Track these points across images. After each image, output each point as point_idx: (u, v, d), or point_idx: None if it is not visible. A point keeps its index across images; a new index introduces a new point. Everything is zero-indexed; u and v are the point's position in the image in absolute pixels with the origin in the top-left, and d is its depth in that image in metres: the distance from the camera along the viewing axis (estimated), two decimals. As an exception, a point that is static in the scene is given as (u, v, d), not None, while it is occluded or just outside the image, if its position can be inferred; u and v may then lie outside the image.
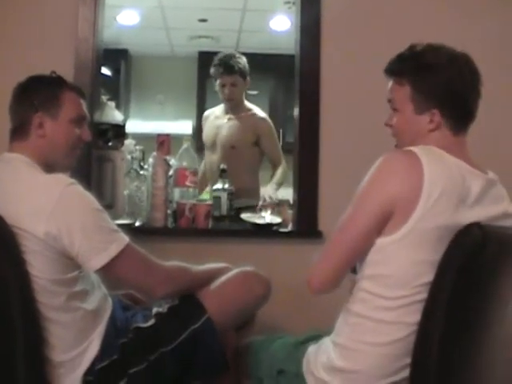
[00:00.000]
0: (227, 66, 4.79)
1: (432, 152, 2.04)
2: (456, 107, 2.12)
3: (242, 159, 4.73)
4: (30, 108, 2.36)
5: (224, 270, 2.63)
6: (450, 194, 1.97)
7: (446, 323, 1.93)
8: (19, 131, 2.37)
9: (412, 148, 2.04)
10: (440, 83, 2.10)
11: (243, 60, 4.87)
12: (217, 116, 5.00)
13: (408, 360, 2.02)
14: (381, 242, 2.03)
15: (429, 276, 1.98)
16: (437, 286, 1.95)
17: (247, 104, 5.02)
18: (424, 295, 1.98)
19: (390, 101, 2.23)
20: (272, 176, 4.83)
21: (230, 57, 4.85)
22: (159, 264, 2.38)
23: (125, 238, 2.26)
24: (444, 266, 1.95)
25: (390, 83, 2.22)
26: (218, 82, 4.85)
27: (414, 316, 2.00)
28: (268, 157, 4.96)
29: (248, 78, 4.89)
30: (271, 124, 5.04)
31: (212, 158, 4.74)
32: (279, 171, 4.84)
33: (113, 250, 2.20)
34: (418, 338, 1.98)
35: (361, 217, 2.05)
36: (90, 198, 2.25)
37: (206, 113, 5.21)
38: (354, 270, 2.17)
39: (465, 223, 1.96)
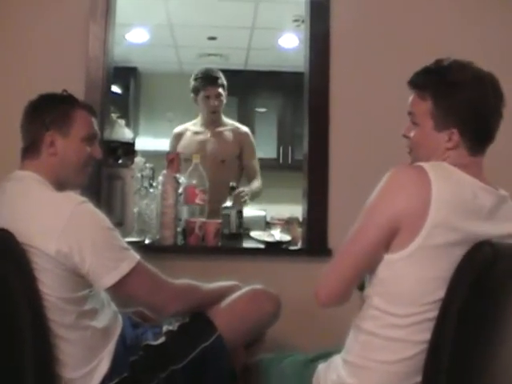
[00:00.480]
0: (212, 77, 4.89)
1: (442, 168, 2.03)
2: (476, 129, 2.09)
3: (231, 173, 4.79)
4: (42, 126, 2.36)
5: (234, 287, 2.64)
6: (459, 209, 1.96)
7: (457, 341, 1.92)
8: (31, 149, 2.38)
9: (421, 163, 2.02)
10: (463, 102, 2.06)
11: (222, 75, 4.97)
12: (195, 131, 5.02)
13: (418, 378, 2.01)
14: (389, 258, 2.02)
15: (439, 293, 1.97)
16: (447, 303, 1.94)
17: (225, 118, 5.10)
18: (435, 313, 1.97)
19: (410, 113, 2.19)
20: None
21: (213, 70, 4.99)
22: (169, 282, 2.38)
23: (135, 256, 2.26)
24: (455, 284, 1.94)
25: (412, 96, 2.19)
26: (201, 94, 4.91)
27: (425, 334, 1.99)
28: (246, 170, 5.07)
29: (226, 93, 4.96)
30: (252, 138, 5.15)
31: None
32: (256, 184, 5.06)
33: (124, 268, 2.20)
34: (429, 355, 1.97)
35: (369, 229, 2.03)
36: (100, 216, 2.25)
37: (179, 130, 5.17)
38: (361, 287, 2.17)
39: (477, 237, 1.95)
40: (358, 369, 2.08)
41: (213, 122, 4.97)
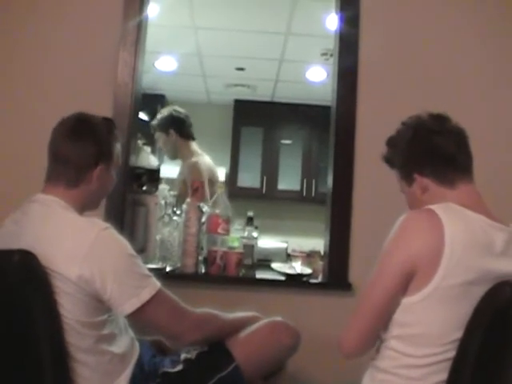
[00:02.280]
0: None
1: (450, 208, 2.05)
2: (429, 163, 2.20)
3: None
4: (92, 159, 2.34)
5: (253, 318, 2.63)
6: (473, 248, 1.97)
7: (474, 381, 1.91)
8: (70, 178, 2.33)
9: (432, 206, 2.04)
10: (404, 154, 2.27)
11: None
12: None
13: None
14: (406, 301, 2.02)
15: (458, 333, 1.96)
16: (465, 344, 1.93)
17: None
18: (453, 352, 1.96)
19: None
20: None
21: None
22: (190, 311, 2.37)
23: (157, 284, 2.25)
24: (473, 324, 1.93)
25: None
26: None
27: (442, 374, 1.98)
28: None
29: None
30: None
31: None
32: None
33: (144, 296, 2.18)
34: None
35: (384, 278, 2.04)
36: (123, 243, 2.24)
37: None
38: None
39: (493, 274, 1.95)
40: None
41: None
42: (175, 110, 5.15)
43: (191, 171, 4.85)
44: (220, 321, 2.51)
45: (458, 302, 1.96)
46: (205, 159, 5.03)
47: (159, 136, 5.10)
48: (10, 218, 2.34)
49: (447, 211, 2.01)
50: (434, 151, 2.18)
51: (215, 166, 5.22)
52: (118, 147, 2.49)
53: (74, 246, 2.13)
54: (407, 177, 2.25)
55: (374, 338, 2.12)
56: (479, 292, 1.94)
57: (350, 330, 2.12)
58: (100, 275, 2.11)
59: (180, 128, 5.08)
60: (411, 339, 2.02)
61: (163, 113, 5.18)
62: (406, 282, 2.00)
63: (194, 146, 5.13)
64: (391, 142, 2.35)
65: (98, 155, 2.35)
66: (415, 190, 2.22)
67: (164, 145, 5.11)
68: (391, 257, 2.05)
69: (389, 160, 2.37)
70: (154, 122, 5.14)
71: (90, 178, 2.34)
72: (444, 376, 1.97)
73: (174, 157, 5.13)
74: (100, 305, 2.18)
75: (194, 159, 4.96)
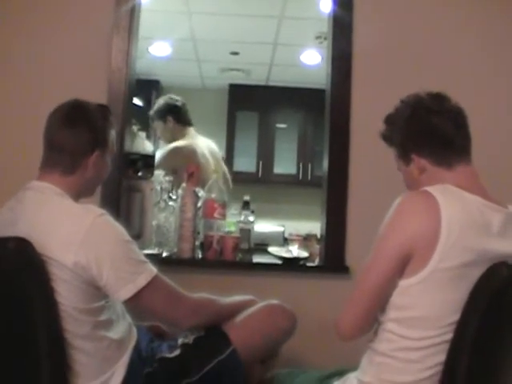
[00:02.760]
0: None
1: (447, 190, 2.04)
2: (427, 144, 2.19)
3: None
4: (88, 145, 2.34)
5: (250, 302, 2.64)
6: (470, 229, 1.97)
7: (472, 363, 1.91)
8: (66, 165, 2.32)
9: (427, 188, 2.04)
10: (402, 132, 2.25)
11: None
12: None
13: None
14: (404, 284, 2.02)
15: (455, 315, 1.96)
16: (463, 325, 1.94)
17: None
18: (451, 335, 1.97)
19: None
20: None
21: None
22: (186, 296, 2.37)
23: (153, 270, 2.25)
24: (470, 306, 1.93)
25: None
26: None
27: (441, 356, 1.98)
28: None
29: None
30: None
31: None
32: None
33: (141, 281, 2.18)
34: (444, 378, 1.97)
35: (381, 261, 2.04)
36: (119, 229, 2.23)
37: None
38: None
39: (490, 255, 1.96)
40: None
41: None
42: (171, 98, 5.17)
43: (166, 155, 4.86)
44: (217, 305, 2.52)
45: (455, 284, 1.96)
46: (198, 142, 5.02)
47: (157, 125, 5.13)
48: (5, 206, 2.33)
49: (444, 193, 2.01)
50: (432, 132, 2.17)
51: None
52: (113, 134, 2.49)
53: (70, 232, 2.13)
54: (404, 156, 2.24)
55: (370, 321, 2.12)
56: (476, 274, 1.94)
57: (347, 313, 2.12)
58: (96, 262, 2.11)
59: (177, 114, 5.09)
60: (408, 322, 2.02)
61: (159, 102, 5.20)
62: (403, 265, 1.99)
63: (192, 131, 5.13)
64: (389, 120, 2.34)
65: (93, 142, 2.35)
66: (412, 169, 2.21)
67: (162, 133, 5.13)
68: (387, 240, 2.04)
69: (386, 138, 2.36)
70: (152, 112, 5.17)
71: (86, 164, 2.34)
72: (442, 358, 1.98)
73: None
74: (97, 291, 2.19)
75: (178, 144, 4.97)
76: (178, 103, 5.15)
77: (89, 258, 2.10)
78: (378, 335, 2.12)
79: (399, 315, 2.04)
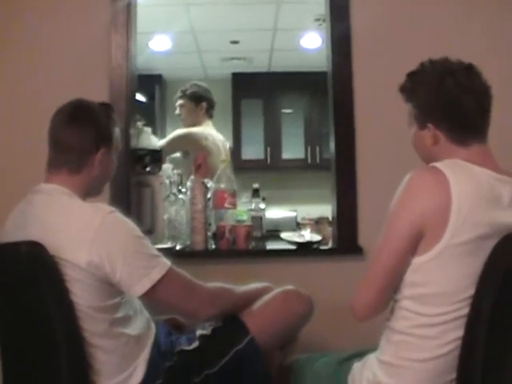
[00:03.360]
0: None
1: (457, 165, 2.04)
2: (450, 119, 2.13)
3: None
4: (93, 143, 2.34)
5: (266, 289, 2.64)
6: (480, 203, 1.96)
7: (490, 337, 1.90)
8: (73, 164, 2.33)
9: (436, 164, 2.03)
10: (427, 98, 2.17)
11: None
12: None
13: (453, 375, 2.01)
14: (417, 261, 2.01)
15: (470, 290, 1.96)
16: (479, 299, 1.93)
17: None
18: (467, 310, 1.97)
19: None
20: None
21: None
22: (202, 286, 2.38)
23: (166, 263, 2.25)
24: (485, 279, 1.92)
25: None
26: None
27: (458, 331, 1.98)
28: None
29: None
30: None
31: None
32: None
33: (155, 275, 2.19)
34: (463, 352, 1.97)
35: (393, 240, 2.04)
36: (130, 225, 2.24)
37: None
38: None
39: (503, 227, 1.95)
40: (394, 368, 2.08)
41: None
42: (208, 89, 5.30)
43: (181, 137, 5.03)
44: (233, 294, 2.53)
45: (468, 258, 1.96)
46: (212, 132, 5.15)
47: (188, 105, 5.17)
48: (16, 210, 2.35)
49: (453, 168, 2.00)
50: (457, 109, 2.12)
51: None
52: (117, 131, 2.49)
53: (81, 232, 2.14)
54: (421, 121, 2.19)
55: (385, 300, 2.12)
56: (489, 247, 1.94)
57: (361, 294, 2.13)
58: (108, 259, 2.12)
59: (210, 104, 5.24)
60: (423, 299, 2.02)
61: (198, 85, 5.28)
62: (416, 243, 1.99)
63: (211, 124, 5.25)
64: (414, 77, 2.25)
65: (98, 139, 2.35)
66: (425, 136, 2.17)
67: (189, 114, 5.18)
68: (398, 218, 2.04)
69: (406, 92, 2.26)
70: (187, 91, 5.19)
71: (92, 162, 2.34)
72: (460, 333, 1.97)
73: (191, 127, 5.16)
74: (111, 288, 2.19)
75: (194, 129, 5.08)
76: (212, 97, 5.27)
77: (101, 256, 2.11)
78: (395, 313, 2.12)
79: (414, 292, 2.04)
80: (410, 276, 2.04)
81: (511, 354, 1.95)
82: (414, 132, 2.24)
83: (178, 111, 5.23)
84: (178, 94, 5.23)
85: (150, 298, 2.25)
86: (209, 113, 5.23)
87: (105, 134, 2.39)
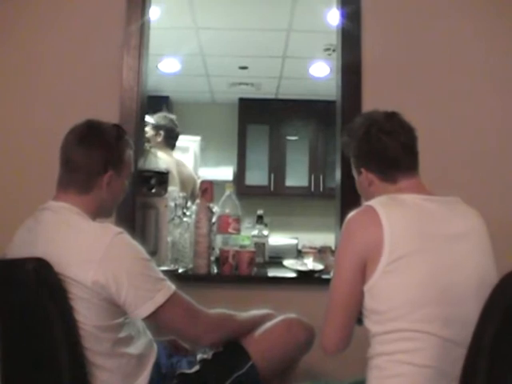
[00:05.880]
0: None
1: (386, 198, 2.23)
2: (375, 163, 2.37)
3: None
4: (101, 165, 2.35)
5: (268, 316, 2.64)
6: (411, 223, 2.15)
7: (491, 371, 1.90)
8: (81, 184, 2.35)
9: (369, 202, 2.23)
10: (357, 147, 2.43)
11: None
12: None
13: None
14: (367, 287, 2.14)
15: (426, 308, 2.06)
16: (478, 338, 1.92)
17: None
18: (431, 328, 2.04)
19: None
20: None
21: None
22: (205, 312, 2.38)
23: (171, 287, 2.26)
24: (485, 318, 1.91)
25: None
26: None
27: (431, 350, 2.05)
28: None
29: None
30: None
31: None
32: None
33: (159, 299, 2.20)
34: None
35: (343, 275, 2.19)
36: (137, 248, 2.25)
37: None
38: (360, 321, 2.24)
39: (439, 235, 2.14)
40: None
41: None
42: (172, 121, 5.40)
43: None
44: (235, 320, 2.53)
45: (408, 272, 2.08)
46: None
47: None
48: (23, 226, 2.36)
49: (382, 201, 2.20)
50: (380, 152, 2.35)
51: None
52: (129, 153, 2.50)
53: (89, 251, 2.15)
54: (356, 168, 2.46)
55: (350, 331, 2.22)
56: (424, 260, 2.09)
57: (327, 333, 2.23)
58: (114, 280, 2.13)
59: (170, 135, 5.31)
60: (382, 317, 2.12)
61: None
62: (362, 273, 2.14)
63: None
64: (347, 132, 2.54)
65: (107, 161, 2.36)
66: (362, 180, 2.42)
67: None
68: (344, 255, 2.21)
69: (344, 147, 2.55)
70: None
71: (101, 184, 2.35)
72: (434, 354, 2.05)
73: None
74: (116, 308, 2.20)
75: None
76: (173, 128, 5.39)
77: (107, 277, 2.12)
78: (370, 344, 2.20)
79: (375, 317, 2.14)
80: (366, 304, 2.16)
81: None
82: (356, 180, 2.49)
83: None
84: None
85: (154, 320, 2.26)
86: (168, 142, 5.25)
87: (114, 156, 2.40)
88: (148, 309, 2.19)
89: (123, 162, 2.45)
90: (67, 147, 2.39)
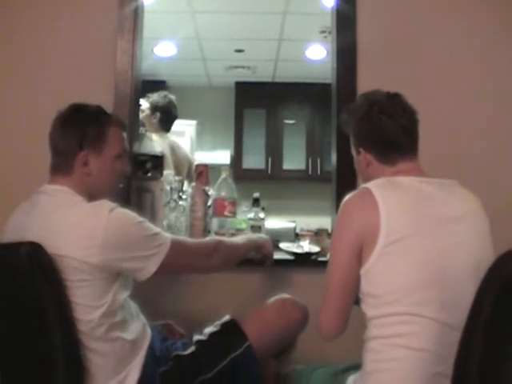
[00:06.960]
0: None
1: (383, 181, 2.23)
2: (374, 144, 2.36)
3: None
4: (75, 145, 2.36)
5: (261, 241, 2.95)
6: (408, 206, 2.14)
7: (484, 359, 1.89)
8: (63, 166, 2.37)
9: (365, 184, 2.23)
10: (357, 126, 2.41)
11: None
12: None
13: (440, 368, 2.04)
14: (363, 271, 2.14)
15: (425, 291, 2.06)
16: (474, 317, 1.92)
17: None
18: (429, 312, 2.04)
19: None
20: None
21: None
22: (200, 241, 2.62)
23: (167, 237, 2.35)
24: (481, 296, 1.92)
25: None
26: None
27: (429, 333, 2.06)
28: None
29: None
30: None
31: None
32: None
33: (162, 252, 2.29)
34: (455, 374, 1.95)
35: (339, 259, 2.19)
36: (130, 215, 2.28)
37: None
38: (358, 302, 2.24)
39: (436, 219, 2.14)
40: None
41: None
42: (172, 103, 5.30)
43: None
44: (227, 240, 2.73)
45: (407, 254, 2.08)
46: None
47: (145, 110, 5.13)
48: (19, 209, 2.38)
49: (379, 184, 2.20)
50: (381, 133, 2.33)
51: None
52: (113, 131, 2.48)
53: (87, 232, 2.17)
54: (355, 147, 2.45)
55: (346, 317, 2.22)
56: (421, 243, 2.09)
57: (323, 316, 2.23)
58: (119, 258, 2.20)
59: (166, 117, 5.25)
60: (378, 300, 2.12)
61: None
62: (359, 256, 2.14)
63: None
64: (348, 111, 2.51)
65: (81, 140, 2.37)
66: (361, 160, 2.41)
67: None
68: (340, 239, 2.21)
69: (344, 125, 2.53)
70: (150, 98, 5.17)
71: (79, 164, 2.37)
72: (432, 336, 2.05)
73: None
74: (113, 286, 2.23)
75: None
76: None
77: (111, 258, 2.18)
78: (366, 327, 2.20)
79: (371, 301, 2.14)
80: (363, 287, 2.15)
81: (507, 366, 1.94)
82: (355, 159, 2.49)
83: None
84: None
85: (163, 271, 2.32)
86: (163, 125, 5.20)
87: (89, 135, 2.39)
88: (154, 264, 2.28)
89: (103, 140, 2.42)
90: (51, 132, 2.43)
